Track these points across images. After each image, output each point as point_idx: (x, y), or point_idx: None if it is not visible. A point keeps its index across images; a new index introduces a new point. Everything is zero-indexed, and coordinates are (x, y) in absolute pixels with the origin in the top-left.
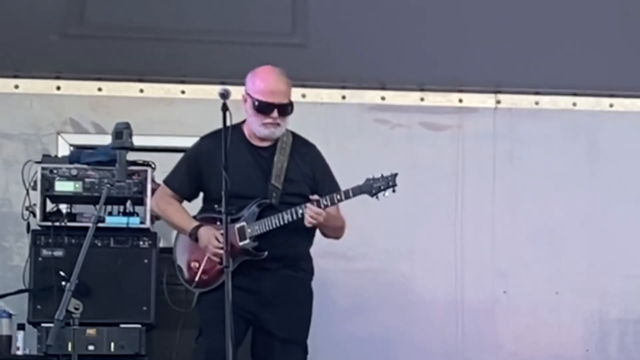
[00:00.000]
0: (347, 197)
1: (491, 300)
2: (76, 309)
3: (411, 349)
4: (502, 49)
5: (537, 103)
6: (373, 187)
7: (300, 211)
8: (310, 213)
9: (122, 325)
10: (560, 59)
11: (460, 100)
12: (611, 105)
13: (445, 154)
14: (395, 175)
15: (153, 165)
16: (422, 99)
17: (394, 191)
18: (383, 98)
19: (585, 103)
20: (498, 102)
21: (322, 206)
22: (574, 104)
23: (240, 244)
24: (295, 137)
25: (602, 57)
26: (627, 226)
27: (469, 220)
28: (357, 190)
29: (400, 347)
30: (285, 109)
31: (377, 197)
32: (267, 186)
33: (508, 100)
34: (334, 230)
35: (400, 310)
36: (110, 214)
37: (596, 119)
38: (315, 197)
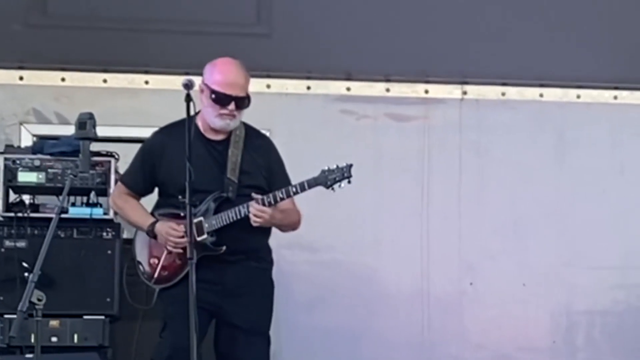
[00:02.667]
0: (303, 189)
1: (457, 292)
2: (39, 300)
3: (376, 341)
4: (469, 39)
5: (503, 94)
6: (328, 179)
7: (243, 210)
8: (253, 212)
9: (85, 317)
10: (527, 49)
11: (427, 91)
12: (578, 97)
13: (411, 145)
14: (350, 166)
15: (117, 156)
16: (387, 90)
17: (349, 182)
18: (348, 89)
19: (553, 94)
20: (464, 93)
21: (267, 204)
22: (541, 95)
23: (199, 239)
24: (249, 129)
25: (569, 48)
26: (594, 218)
27: (435, 211)
28: (312, 182)
29: (366, 339)
30: (242, 102)
31: (332, 189)
32: (223, 179)
33: (474, 91)
34: (286, 226)
35: (365, 302)
36: (73, 204)
37: (563, 110)
38: (259, 196)
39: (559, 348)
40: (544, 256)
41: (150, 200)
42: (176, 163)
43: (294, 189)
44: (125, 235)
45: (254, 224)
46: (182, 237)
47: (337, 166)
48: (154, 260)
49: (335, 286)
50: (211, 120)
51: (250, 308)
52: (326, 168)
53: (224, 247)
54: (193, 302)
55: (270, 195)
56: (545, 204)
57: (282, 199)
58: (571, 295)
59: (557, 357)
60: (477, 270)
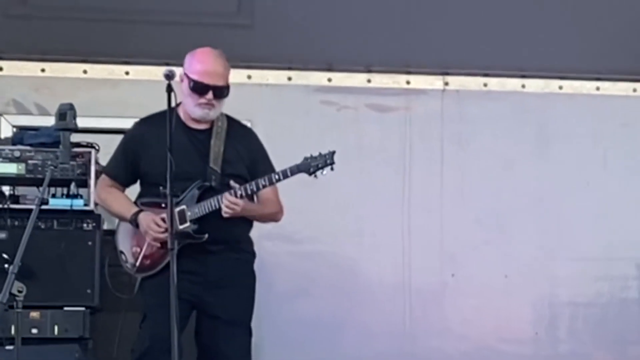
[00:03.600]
0: (285, 176)
1: (439, 283)
2: (19, 291)
3: (358, 332)
4: (450, 30)
5: (485, 85)
6: (311, 166)
7: (214, 202)
8: (225, 203)
9: (66, 309)
10: (509, 40)
11: (408, 82)
12: (560, 88)
13: (393, 136)
14: (333, 153)
15: (97, 147)
16: (369, 81)
17: (332, 169)
18: (329, 79)
19: (534, 85)
20: (446, 83)
21: (239, 195)
22: (523, 86)
23: (181, 227)
24: (231, 120)
25: (551, 39)
26: (576, 209)
27: (417, 202)
28: (295, 169)
29: (347, 331)
30: (221, 91)
31: (315, 176)
32: (205, 168)
33: (456, 82)
34: (262, 217)
35: (346, 293)
36: (53, 196)
37: (545, 101)
38: (236, 185)
39: (542, 339)
40: (526, 247)
41: (134, 190)
42: (158, 153)
43: (277, 176)
44: (105, 227)
45: (225, 215)
46: (163, 232)
47: (320, 153)
48: (136, 249)
49: (317, 277)
50: (191, 109)
51: (232, 299)
52: (309, 155)
53: (206, 235)
54: (174, 293)
55: (253, 182)
56: (527, 195)
57: (264, 186)
58: (554, 286)
59: (540, 349)
60: (459, 261)
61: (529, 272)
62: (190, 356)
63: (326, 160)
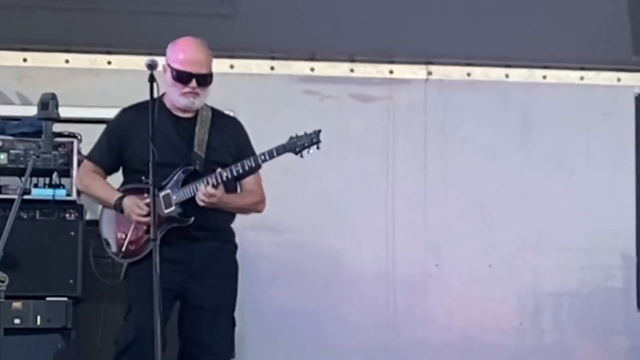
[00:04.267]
0: (271, 156)
1: (423, 273)
2: (2, 281)
3: (341, 323)
4: (434, 19)
5: (469, 74)
6: (297, 145)
7: (211, 181)
8: (200, 193)
9: (48, 299)
10: (493, 29)
11: (391, 72)
12: (544, 77)
13: (376, 125)
14: (319, 131)
15: (79, 137)
16: (352, 70)
17: (318, 147)
18: (312, 69)
19: (518, 74)
20: (429, 73)
21: (225, 177)
22: (507, 76)
23: (166, 211)
24: (215, 111)
25: (535, 28)
26: (560, 199)
27: (401, 192)
28: (281, 149)
29: (331, 321)
30: (205, 79)
31: (301, 155)
32: (190, 154)
33: (439, 71)
34: (239, 209)
35: (330, 283)
36: (36, 186)
37: (529, 91)
38: (219, 169)
39: (526, 330)
40: (510, 237)
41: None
42: (143, 140)
43: (263, 157)
44: (88, 217)
45: (200, 204)
46: (146, 215)
47: (306, 132)
48: (121, 235)
49: (300, 268)
50: (175, 99)
51: (215, 289)
52: (294, 135)
53: (192, 218)
54: (157, 283)
55: (239, 164)
56: (511, 185)
57: (250, 167)
58: (538, 276)
59: (524, 339)
60: (442, 251)
61: (513, 263)
62: (174, 347)
63: (312, 139)
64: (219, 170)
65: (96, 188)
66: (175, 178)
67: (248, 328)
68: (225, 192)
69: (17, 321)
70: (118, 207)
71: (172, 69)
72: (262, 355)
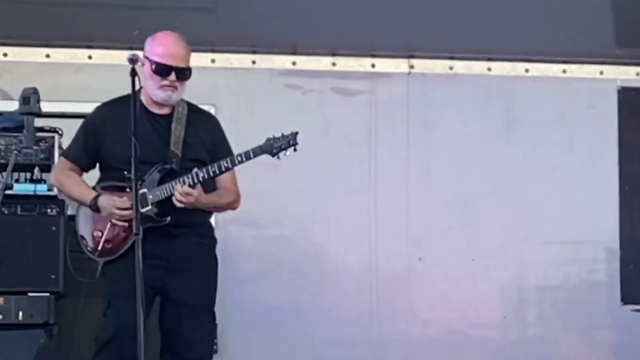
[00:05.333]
0: (248, 158)
1: (406, 267)
2: None
3: (324, 318)
4: (415, 12)
5: (451, 68)
6: (274, 147)
7: (188, 181)
8: (177, 192)
9: (30, 294)
10: (475, 22)
11: (373, 65)
12: (527, 71)
13: (358, 119)
14: (296, 133)
15: (60, 132)
16: (333, 64)
17: (295, 150)
18: (294, 63)
19: (501, 68)
20: (411, 67)
21: (201, 177)
22: (489, 69)
23: (143, 210)
24: (191, 106)
25: (517, 21)
26: (543, 192)
27: (383, 186)
28: (258, 151)
29: (313, 316)
30: (183, 73)
31: (278, 157)
32: (166, 152)
33: (421, 65)
34: (217, 208)
35: (312, 278)
36: (17, 181)
37: (512, 84)
38: (196, 169)
39: (510, 323)
40: (493, 231)
41: (93, 176)
42: (120, 136)
43: (239, 158)
44: (69, 212)
45: (177, 205)
46: (127, 209)
47: (283, 134)
48: (97, 233)
49: (282, 262)
50: (153, 92)
51: (195, 284)
52: (271, 136)
53: (169, 218)
54: (140, 278)
55: (215, 165)
56: (494, 179)
57: (226, 167)
58: (522, 270)
59: (508, 333)
60: (425, 245)
61: (497, 256)
62: (156, 342)
63: (289, 141)
64: (195, 170)
65: (71, 186)
66: (151, 177)
67: (230, 323)
68: (202, 191)
69: None
70: (93, 207)
71: (152, 62)
72: (244, 351)
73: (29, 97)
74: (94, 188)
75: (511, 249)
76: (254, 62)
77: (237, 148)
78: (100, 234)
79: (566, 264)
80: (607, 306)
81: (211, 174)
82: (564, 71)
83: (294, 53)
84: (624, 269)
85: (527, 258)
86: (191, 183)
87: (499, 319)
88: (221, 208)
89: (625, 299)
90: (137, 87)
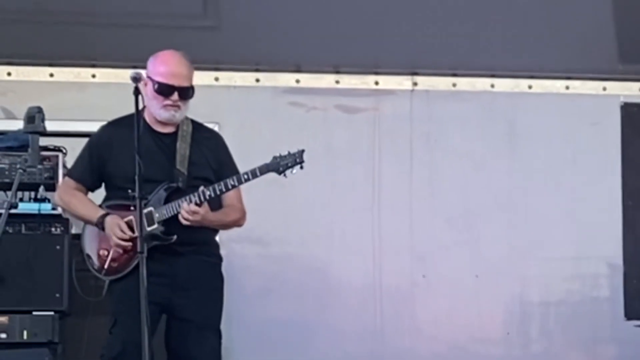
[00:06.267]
0: (254, 176)
1: (410, 284)
2: None
3: (328, 334)
4: (419, 30)
5: (454, 85)
6: (280, 165)
7: (194, 199)
8: (184, 211)
9: (34, 313)
10: (478, 39)
11: (377, 83)
12: (530, 87)
13: (362, 137)
14: (302, 151)
15: (64, 151)
16: (337, 82)
17: (301, 168)
18: (298, 81)
19: (504, 85)
20: (415, 84)
21: (207, 196)
22: (492, 86)
23: (149, 229)
24: (196, 124)
25: (520, 38)
26: (546, 208)
27: (387, 203)
28: (264, 169)
29: (317, 333)
30: (186, 92)
31: (284, 175)
32: (172, 171)
33: (425, 82)
34: (223, 225)
35: (317, 295)
36: (21, 200)
37: (515, 101)
38: (202, 188)
39: (513, 339)
40: (496, 247)
41: (98, 195)
42: (124, 156)
43: (246, 176)
44: (74, 231)
45: (184, 223)
46: (127, 240)
47: (289, 152)
48: (103, 252)
49: (287, 279)
50: (156, 112)
51: (201, 302)
52: (278, 154)
53: (175, 237)
54: (144, 296)
55: (222, 183)
56: (497, 195)
57: (233, 185)
58: (525, 286)
59: (511, 348)
60: (429, 261)
61: (500, 272)
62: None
63: (295, 159)
64: (201, 188)
65: (77, 205)
66: (157, 196)
67: (235, 341)
68: (209, 209)
69: (3, 336)
70: (100, 225)
71: (154, 82)
72: None
73: (34, 116)
74: (100, 207)
75: (514, 265)
76: (257, 80)
77: (241, 166)
78: (106, 252)
79: (569, 279)
80: (610, 321)
81: (218, 192)
82: (567, 87)
83: (297, 71)
84: (627, 284)
85: (530, 274)
86: (197, 201)
87: (502, 334)
88: (227, 226)
89: (629, 314)
90: (140, 106)
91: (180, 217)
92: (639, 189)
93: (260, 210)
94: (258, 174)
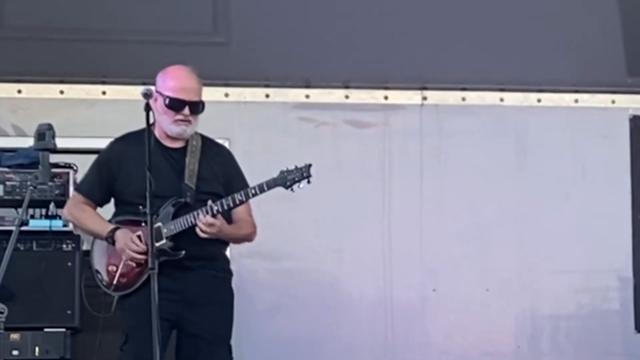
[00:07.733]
0: (262, 191)
1: (421, 298)
2: (1, 312)
3: (339, 349)
4: (428, 44)
5: (463, 99)
6: (287, 179)
7: (190, 218)
8: (201, 223)
9: (46, 330)
10: (487, 54)
11: (386, 97)
12: (539, 101)
13: (372, 151)
14: (309, 166)
15: (75, 168)
16: (347, 97)
17: (309, 182)
18: (307, 96)
19: (513, 98)
20: (424, 98)
21: (215, 211)
22: (502, 100)
23: (157, 244)
24: (205, 139)
25: (529, 52)
26: (556, 222)
27: (397, 218)
28: (272, 183)
29: (328, 347)
30: (197, 106)
31: (292, 190)
32: (180, 186)
33: (434, 96)
34: (237, 238)
35: (327, 309)
36: (32, 217)
37: (524, 115)
38: (210, 203)
39: (524, 353)
40: (507, 261)
41: (107, 210)
42: (134, 171)
43: (253, 191)
44: (85, 247)
45: (201, 235)
46: (141, 253)
47: (296, 166)
48: (112, 268)
49: (297, 294)
50: (167, 127)
51: (211, 317)
52: (285, 169)
53: (183, 252)
54: (156, 312)
55: (229, 198)
56: (507, 209)
57: (240, 201)
58: (535, 299)
59: None
60: (439, 276)
61: (510, 286)
62: None
63: (303, 173)
64: (210, 203)
65: (86, 220)
66: (165, 211)
67: (246, 356)
68: (225, 221)
69: (15, 353)
70: (110, 239)
71: (165, 97)
72: None
73: (44, 133)
74: (109, 221)
75: (525, 279)
76: (267, 96)
77: (251, 181)
78: (115, 268)
79: (580, 292)
80: (620, 334)
81: (225, 207)
82: (576, 100)
83: (307, 86)
84: (638, 297)
85: (540, 287)
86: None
87: (513, 348)
88: (240, 239)
89: (639, 327)
90: (151, 122)
91: (197, 229)
92: None
93: (271, 225)
94: (265, 188)
